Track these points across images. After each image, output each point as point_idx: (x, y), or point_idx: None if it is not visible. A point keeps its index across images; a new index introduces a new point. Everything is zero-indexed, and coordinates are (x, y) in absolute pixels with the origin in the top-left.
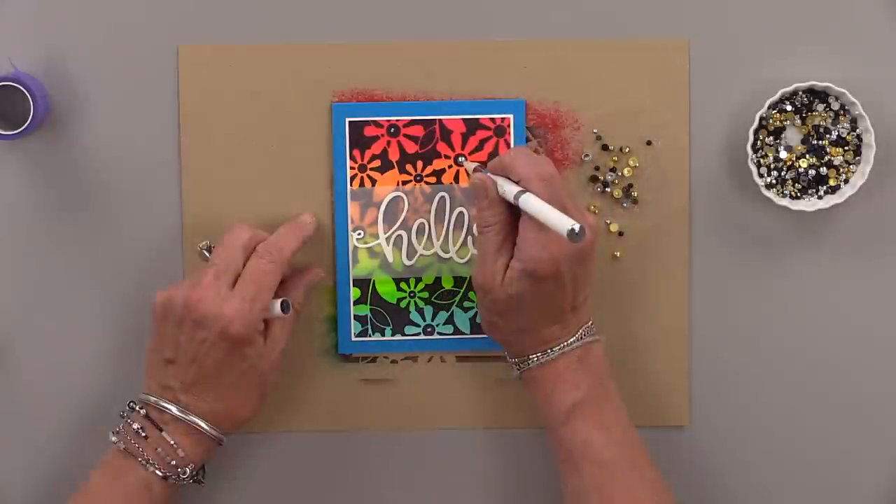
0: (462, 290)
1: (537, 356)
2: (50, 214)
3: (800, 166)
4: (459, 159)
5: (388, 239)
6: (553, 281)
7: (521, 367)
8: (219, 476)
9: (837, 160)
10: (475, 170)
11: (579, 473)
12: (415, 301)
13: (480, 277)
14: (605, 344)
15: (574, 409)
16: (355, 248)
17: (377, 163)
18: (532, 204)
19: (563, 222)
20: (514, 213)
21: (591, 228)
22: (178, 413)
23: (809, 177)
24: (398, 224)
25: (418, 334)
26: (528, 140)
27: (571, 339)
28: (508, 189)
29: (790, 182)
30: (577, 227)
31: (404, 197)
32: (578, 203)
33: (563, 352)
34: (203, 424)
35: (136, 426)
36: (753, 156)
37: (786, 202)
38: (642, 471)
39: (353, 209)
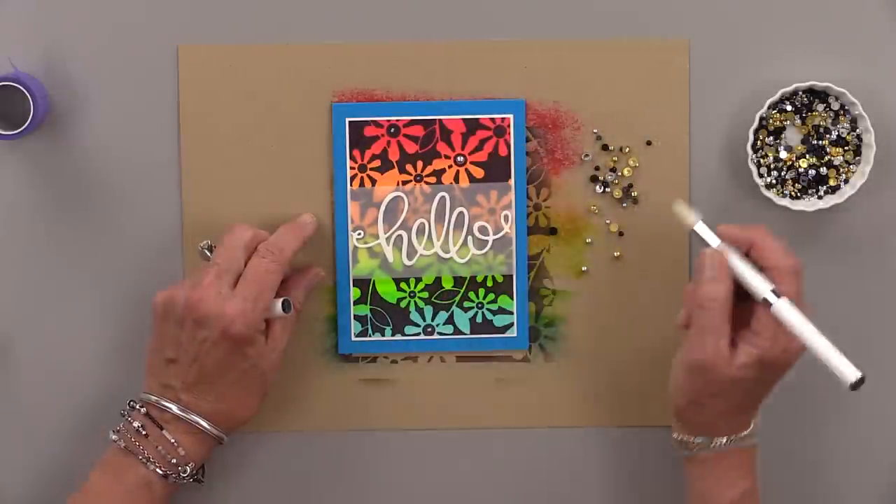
0: (462, 290)
1: (726, 440)
2: (50, 214)
3: (800, 166)
4: (680, 206)
5: (388, 239)
6: (779, 373)
7: (696, 448)
8: (219, 476)
9: (837, 160)
10: (707, 230)
11: None
12: (415, 301)
13: (702, 356)
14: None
15: (743, 497)
16: (355, 248)
17: (377, 163)
18: (801, 328)
19: (845, 371)
20: (736, 287)
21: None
22: (178, 412)
23: (809, 177)
24: (398, 224)
25: (418, 334)
26: (528, 140)
27: (745, 433)
28: (755, 281)
29: (790, 182)
30: (862, 377)
31: (404, 197)
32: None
33: (745, 440)
34: (204, 423)
35: (136, 424)
36: (753, 156)
37: (786, 202)
38: None
39: (353, 209)
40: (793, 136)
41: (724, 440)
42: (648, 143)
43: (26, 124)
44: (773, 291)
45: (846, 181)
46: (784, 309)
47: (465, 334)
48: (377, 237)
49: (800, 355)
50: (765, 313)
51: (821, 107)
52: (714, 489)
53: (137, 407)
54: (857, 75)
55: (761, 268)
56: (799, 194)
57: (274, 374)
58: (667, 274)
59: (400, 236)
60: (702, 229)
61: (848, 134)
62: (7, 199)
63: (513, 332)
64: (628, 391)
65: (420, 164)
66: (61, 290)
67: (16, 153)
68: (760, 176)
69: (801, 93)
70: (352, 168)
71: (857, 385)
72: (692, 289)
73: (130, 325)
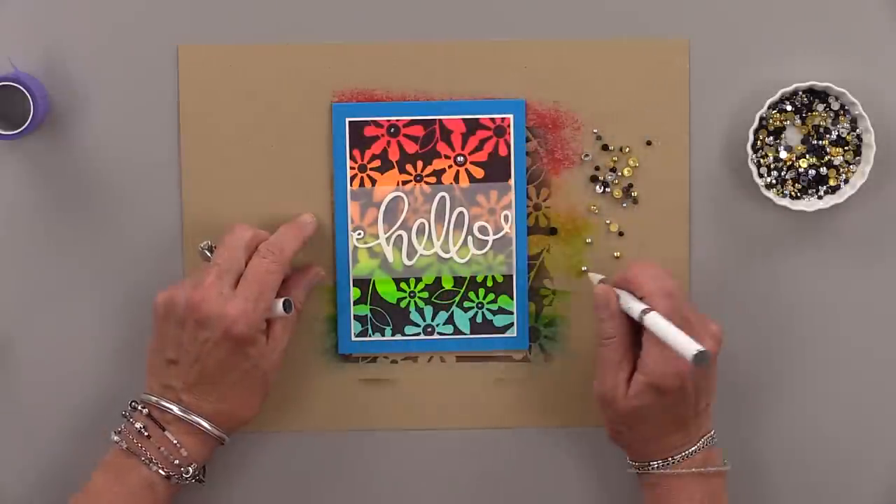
0: (462, 290)
1: (659, 463)
2: (50, 214)
3: (800, 166)
4: (583, 268)
5: (388, 239)
6: (678, 393)
7: (641, 471)
8: (219, 476)
9: (837, 160)
10: (600, 282)
11: None
12: (415, 301)
13: (601, 390)
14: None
15: None
16: (355, 248)
17: (377, 163)
18: (657, 324)
19: (687, 346)
20: (634, 325)
21: (714, 338)
22: (179, 413)
23: (809, 177)
24: (398, 224)
25: (418, 334)
26: (528, 140)
27: (693, 448)
28: (633, 306)
29: (790, 182)
30: (701, 351)
31: (404, 197)
32: (701, 315)
33: (685, 461)
34: (205, 424)
35: (138, 425)
36: (753, 156)
37: (786, 202)
38: None
39: (353, 209)
40: (793, 136)
41: (657, 464)
42: (648, 143)
43: (26, 124)
44: (645, 309)
45: (846, 181)
46: (649, 318)
47: (465, 334)
48: (377, 237)
49: (689, 374)
50: (647, 339)
51: (821, 107)
52: None
53: (139, 408)
54: (857, 75)
55: (641, 298)
56: (799, 194)
57: (275, 374)
58: None
59: (400, 236)
60: (595, 279)
61: (848, 134)
62: (7, 199)
63: (513, 332)
64: None
65: (420, 164)
66: (61, 290)
67: (16, 153)
68: (760, 176)
69: (801, 93)
70: (352, 168)
71: (699, 360)
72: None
73: (131, 326)
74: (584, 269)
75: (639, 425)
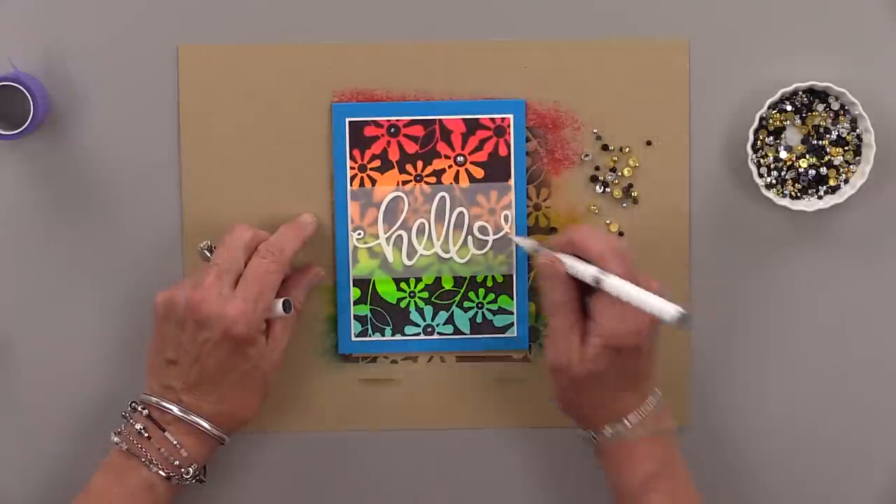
0: (462, 290)
1: (612, 428)
2: (50, 214)
3: (800, 166)
4: (511, 236)
5: (388, 239)
6: (635, 352)
7: (595, 439)
8: (219, 476)
9: (837, 160)
10: (538, 251)
11: None
12: (415, 301)
13: (556, 358)
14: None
15: (648, 481)
16: (355, 248)
17: (377, 163)
18: (622, 288)
19: (667, 309)
20: (580, 288)
21: (663, 294)
22: (179, 413)
23: (809, 177)
24: (398, 224)
25: (418, 334)
26: (527, 140)
27: (643, 408)
28: (583, 270)
29: (790, 182)
30: (683, 313)
31: (404, 197)
32: (642, 271)
33: (636, 423)
34: (205, 424)
35: (138, 426)
36: (753, 156)
37: (786, 202)
38: None
39: (353, 209)
40: (793, 136)
41: (610, 430)
42: (648, 143)
43: (26, 124)
44: (600, 273)
45: (846, 181)
46: (610, 284)
47: (465, 334)
48: (377, 237)
49: (647, 331)
50: (599, 300)
51: (821, 107)
52: (616, 478)
53: (139, 409)
54: (857, 75)
55: (589, 261)
56: (799, 194)
57: (275, 375)
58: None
59: (400, 236)
60: (527, 243)
61: (848, 134)
62: (7, 199)
63: (513, 332)
64: None
65: (420, 164)
66: (61, 290)
67: (16, 153)
68: (760, 176)
69: (801, 93)
70: (352, 168)
71: (683, 322)
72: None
73: (131, 326)
74: (506, 230)
75: (593, 389)
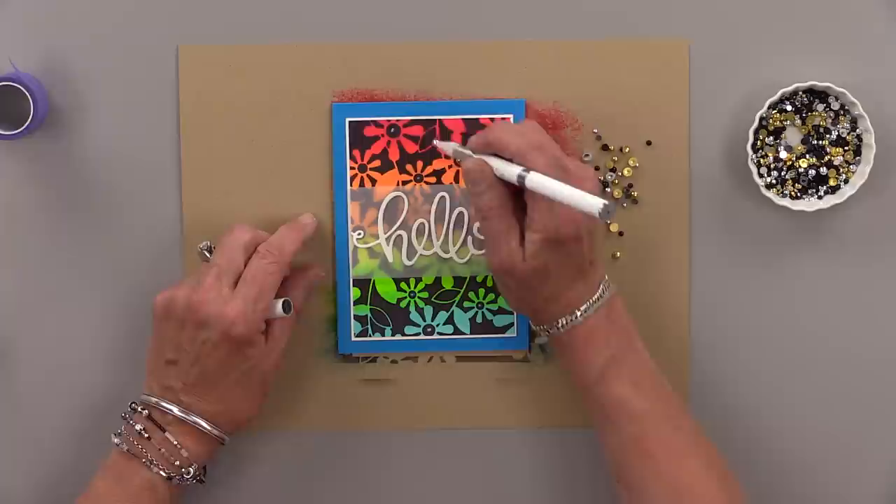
0: (462, 290)
1: (566, 319)
2: (50, 214)
3: (800, 166)
4: (434, 141)
5: (388, 239)
6: (574, 240)
7: (552, 333)
8: (219, 475)
9: (837, 160)
10: (459, 155)
11: (616, 430)
12: (415, 301)
13: (499, 261)
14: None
15: (606, 366)
16: (355, 248)
17: (377, 163)
18: (543, 184)
19: (591, 202)
20: (510, 187)
21: (593, 181)
22: (179, 414)
23: (809, 177)
24: (398, 224)
25: (418, 334)
26: None
27: (595, 296)
28: (507, 169)
29: (790, 182)
30: (606, 205)
31: (404, 197)
32: (573, 157)
33: (590, 311)
34: (205, 425)
35: (138, 427)
36: (753, 156)
37: (786, 202)
38: (677, 421)
39: (353, 209)
40: (793, 136)
41: (564, 320)
42: (648, 143)
43: (26, 124)
44: (523, 171)
45: (846, 181)
46: (532, 179)
47: (465, 334)
48: (377, 237)
49: (581, 219)
50: (531, 195)
51: (821, 107)
52: (576, 368)
53: (139, 409)
54: (857, 75)
55: (511, 160)
56: (799, 194)
57: (274, 375)
58: (667, 274)
59: (400, 236)
60: (450, 148)
61: (848, 134)
62: (7, 199)
63: (513, 332)
64: None
65: (420, 164)
66: (61, 290)
67: (16, 153)
68: (760, 176)
69: (801, 93)
70: (352, 168)
71: (606, 213)
72: (473, 205)
73: (131, 326)
74: (434, 141)
75: (541, 285)
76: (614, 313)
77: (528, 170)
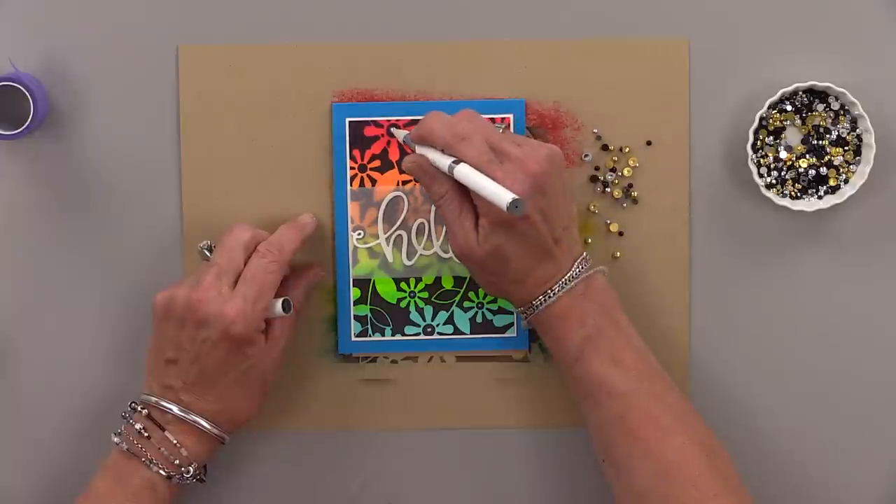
0: (462, 290)
1: (540, 299)
2: (50, 214)
3: (800, 166)
4: (391, 129)
5: (388, 239)
6: (523, 222)
7: (528, 314)
8: (219, 475)
9: (837, 160)
10: (410, 145)
11: (599, 408)
12: (415, 301)
13: (457, 246)
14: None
15: (584, 345)
16: (355, 248)
17: (377, 163)
18: (466, 175)
19: (501, 196)
20: None
21: (540, 164)
22: (179, 413)
23: (809, 177)
24: (398, 224)
25: (418, 334)
26: None
27: (568, 275)
28: (441, 161)
29: (790, 182)
30: (515, 199)
31: (404, 197)
32: (525, 139)
33: (564, 289)
34: (205, 424)
35: (138, 426)
36: (753, 156)
37: (786, 202)
38: (662, 397)
39: (353, 209)
40: (793, 136)
41: (538, 300)
42: (648, 143)
43: (26, 124)
44: (453, 163)
45: (846, 181)
46: (458, 171)
47: (465, 334)
48: (377, 237)
49: (531, 200)
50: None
51: (821, 107)
52: (555, 348)
53: (139, 409)
54: (857, 75)
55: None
56: (799, 194)
57: (274, 374)
58: (667, 274)
59: (400, 236)
60: (401, 136)
61: (848, 134)
62: (7, 199)
63: (513, 332)
64: None
65: None
66: (61, 290)
67: (16, 153)
68: (760, 176)
69: (801, 93)
70: (352, 168)
71: (514, 208)
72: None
73: (130, 326)
74: (391, 129)
75: (504, 267)
76: (592, 291)
77: (457, 161)
